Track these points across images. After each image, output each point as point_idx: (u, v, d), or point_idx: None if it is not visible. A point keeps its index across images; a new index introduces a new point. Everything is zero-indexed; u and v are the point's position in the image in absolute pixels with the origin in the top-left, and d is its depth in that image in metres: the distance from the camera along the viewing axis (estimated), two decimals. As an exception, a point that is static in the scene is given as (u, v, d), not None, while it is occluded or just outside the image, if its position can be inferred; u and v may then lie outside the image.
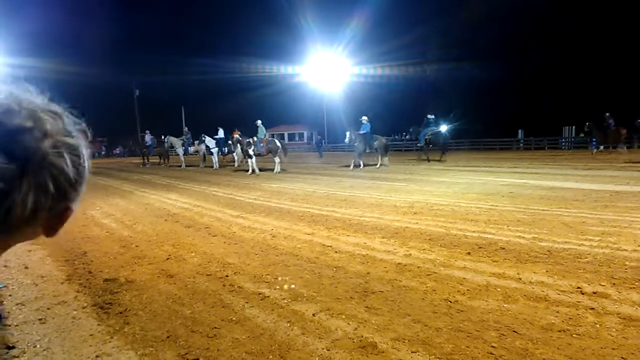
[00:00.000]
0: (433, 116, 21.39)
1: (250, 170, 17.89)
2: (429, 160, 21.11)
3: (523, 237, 5.83)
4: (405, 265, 4.86)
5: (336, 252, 5.52)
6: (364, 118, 19.09)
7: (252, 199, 10.56)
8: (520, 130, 29.09)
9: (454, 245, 5.60)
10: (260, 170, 18.38)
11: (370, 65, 39.03)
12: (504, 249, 5.35)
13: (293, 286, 4.35)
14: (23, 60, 36.95)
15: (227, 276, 4.77)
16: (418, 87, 40.85)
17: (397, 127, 44.89)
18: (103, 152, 52.34)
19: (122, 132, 57.21)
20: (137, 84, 53.51)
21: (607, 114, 20.19)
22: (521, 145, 30.69)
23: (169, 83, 53.03)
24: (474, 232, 6.24)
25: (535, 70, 34.25)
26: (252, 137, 18.91)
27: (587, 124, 21.05)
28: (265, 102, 49.05)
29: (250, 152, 18.44)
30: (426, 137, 21.01)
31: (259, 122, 19.19)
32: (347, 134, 18.85)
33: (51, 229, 0.72)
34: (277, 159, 18.14)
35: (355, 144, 18.57)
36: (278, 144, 18.59)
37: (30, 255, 6.05)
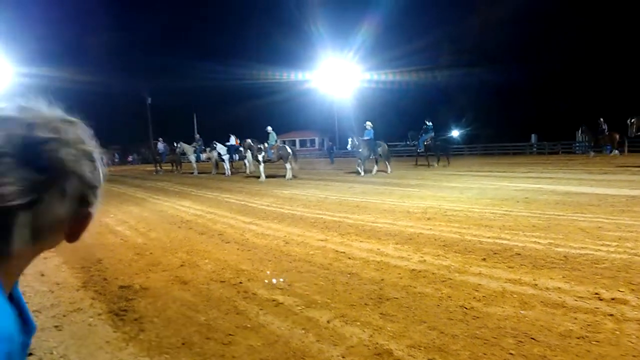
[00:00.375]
0: (431, 123, 21.60)
1: (261, 177, 17.95)
2: (429, 165, 21.00)
3: (539, 243, 5.76)
4: (419, 271, 4.83)
5: (350, 258, 5.51)
6: (368, 124, 18.87)
7: (265, 206, 10.58)
8: (533, 135, 28.86)
9: (468, 251, 5.55)
10: (272, 176, 18.43)
11: (381, 71, 39.02)
12: (519, 254, 5.30)
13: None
14: (36, 69, 37.47)
15: (240, 283, 4.79)
16: (429, 92, 40.71)
17: (405, 133, 44.83)
18: (116, 160, 52.82)
19: (135, 140, 57.75)
20: (149, 92, 53.96)
21: (601, 119, 21.02)
22: (534, 149, 30.45)
23: (181, 90, 53.47)
24: (488, 237, 6.18)
25: (548, 73, 33.99)
26: (262, 143, 18.99)
27: (581, 127, 22.00)
28: (276, 108, 49.24)
29: (261, 158, 18.50)
30: (425, 142, 21.12)
31: (270, 128, 19.27)
32: (350, 140, 18.57)
33: (73, 235, 0.75)
34: (288, 165, 18.16)
35: (359, 150, 18.26)
36: (289, 150, 18.63)
37: (46, 262, 6.11)
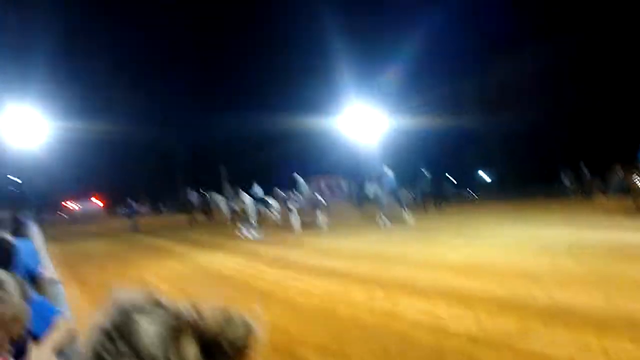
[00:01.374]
0: (424, 171, 22.43)
1: (293, 226, 17.94)
2: (426, 211, 20.60)
3: (595, 300, 5.51)
4: (477, 334, 4.66)
5: (399, 319, 5.37)
6: (386, 168, 17.84)
7: (302, 258, 10.52)
8: (565, 175, 28.07)
9: (524, 311, 5.34)
10: (303, 225, 18.37)
11: (407, 115, 39.25)
12: (577, 314, 5.07)
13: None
14: (71, 123, 38.98)
15: (290, 347, 4.70)
16: (457, 136, 40.62)
17: (436, 177, 44.53)
18: (148, 211, 53.85)
19: (166, 190, 59.02)
20: (179, 143, 55.48)
21: (581, 164, 22.49)
22: (568, 191, 29.67)
23: (208, 139, 54.82)
24: (541, 294, 5.95)
25: (579, 112, 33.52)
26: (292, 191, 18.86)
27: (563, 173, 23.30)
28: (302, 154, 49.78)
29: (291, 206, 18.38)
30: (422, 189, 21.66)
31: (297, 175, 19.23)
32: (367, 186, 17.78)
33: None
34: (319, 213, 18.06)
35: (379, 198, 17.19)
36: (320, 197, 18.50)
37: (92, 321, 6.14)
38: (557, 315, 5.05)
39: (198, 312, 0.79)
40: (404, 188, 18.64)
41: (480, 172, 45.01)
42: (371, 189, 17.73)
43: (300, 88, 55.11)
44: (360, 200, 27.48)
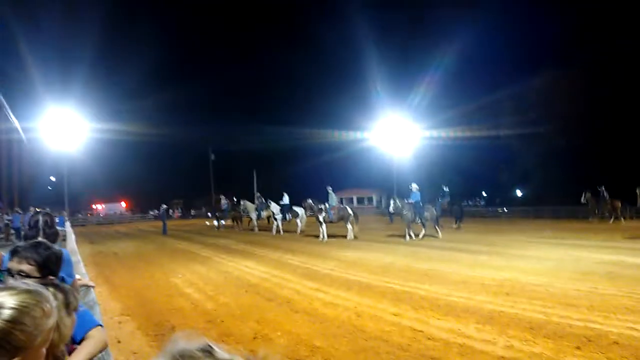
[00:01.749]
0: (447, 188, 22.15)
1: (321, 237, 17.86)
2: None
3: (636, 330, 5.24)
4: (509, 359, 4.47)
5: (429, 338, 5.22)
6: (414, 186, 17.97)
7: (329, 270, 10.43)
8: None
9: (558, 336, 5.13)
10: (332, 236, 18.29)
11: (441, 129, 38.73)
12: (617, 343, 4.83)
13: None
14: (109, 125, 39.97)
15: (317, 362, 4.62)
16: (492, 151, 39.80)
17: (470, 192, 43.75)
18: (179, 214, 54.72)
19: (197, 195, 59.92)
20: (212, 149, 56.26)
21: (602, 188, 22.93)
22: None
23: (242, 148, 55.50)
24: (577, 320, 5.70)
25: (620, 128, 32.38)
26: (323, 204, 18.94)
27: (584, 194, 23.38)
28: (334, 166, 49.83)
29: (321, 218, 18.39)
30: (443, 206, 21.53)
31: (330, 188, 19.30)
32: (391, 202, 17.65)
33: None
34: (349, 226, 18.01)
35: (404, 213, 17.19)
36: (350, 211, 18.52)
37: (121, 327, 6.22)
38: (594, 344, 4.81)
39: None
40: (430, 205, 18.29)
41: (517, 191, 43.99)
42: (395, 204, 17.50)
43: (334, 102, 55.34)
44: (390, 214, 27.30)
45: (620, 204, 22.61)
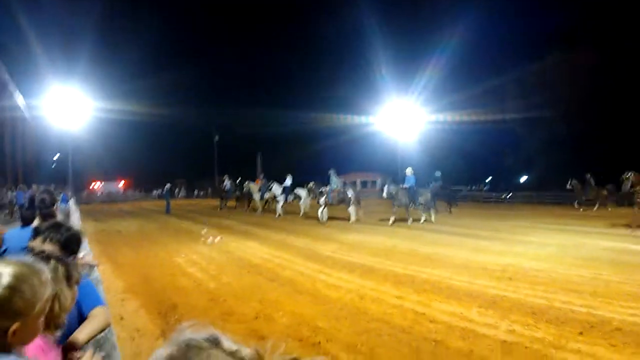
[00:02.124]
0: (439, 173, 22.70)
1: (320, 218, 17.87)
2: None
3: (638, 316, 5.24)
4: (511, 343, 4.49)
5: (431, 321, 5.23)
6: (409, 170, 17.78)
7: (331, 252, 10.46)
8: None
9: (561, 321, 5.13)
10: (334, 219, 18.30)
11: (447, 113, 38.39)
12: (619, 329, 4.83)
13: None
14: (112, 104, 39.70)
15: (319, 343, 4.64)
16: (497, 135, 39.51)
17: (475, 176, 43.58)
18: (183, 194, 54.79)
19: (200, 175, 59.96)
20: (217, 130, 56.13)
21: (588, 175, 23.06)
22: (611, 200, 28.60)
23: (246, 130, 55.15)
24: (580, 306, 5.70)
25: (622, 115, 32.04)
26: (325, 186, 18.94)
27: (570, 181, 23.65)
28: (338, 150, 49.68)
29: (322, 201, 18.40)
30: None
31: (332, 171, 19.16)
32: (385, 187, 17.39)
33: None
34: (351, 209, 17.98)
35: (398, 198, 17.04)
36: (350, 194, 18.39)
37: (125, 304, 6.27)
38: (597, 330, 4.82)
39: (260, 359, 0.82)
40: (424, 189, 18.20)
41: (521, 176, 43.77)
42: (388, 189, 17.30)
43: (339, 86, 54.92)
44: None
45: (606, 191, 22.75)
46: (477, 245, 10.92)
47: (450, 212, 21.83)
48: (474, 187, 41.35)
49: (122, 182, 60.18)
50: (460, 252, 10.04)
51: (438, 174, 22.65)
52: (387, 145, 40.98)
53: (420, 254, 9.96)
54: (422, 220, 16.89)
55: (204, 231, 10.38)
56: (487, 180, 44.99)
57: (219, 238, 12.61)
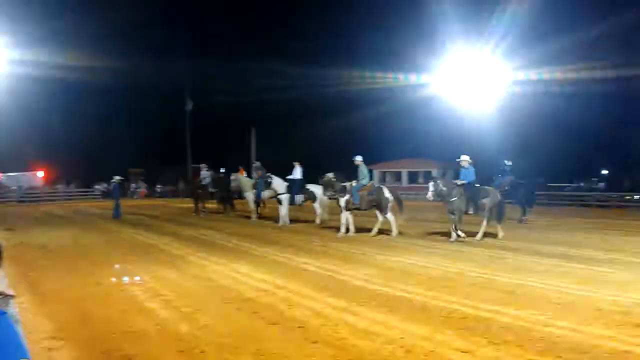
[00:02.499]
0: (510, 163, 23.63)
1: (343, 230, 17.84)
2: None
3: None
4: None
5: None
6: (464, 159, 17.32)
7: (363, 280, 10.49)
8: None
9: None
10: (367, 231, 18.24)
11: (542, 69, 37.39)
12: None
13: None
14: (34, 54, 38.68)
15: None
16: (619, 102, 38.84)
17: (585, 167, 42.78)
18: (139, 190, 55.02)
19: (167, 161, 59.75)
20: (190, 94, 54.84)
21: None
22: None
23: (235, 96, 53.90)
24: None
25: None
26: (350, 182, 18.22)
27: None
28: (373, 127, 49.37)
29: (343, 203, 18.23)
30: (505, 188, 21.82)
31: (359, 158, 18.42)
32: (431, 185, 17.01)
33: None
34: (390, 217, 17.72)
35: (450, 202, 16.65)
36: (388, 194, 17.92)
37: (53, 356, 6.31)
38: None
39: None
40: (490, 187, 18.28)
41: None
42: (436, 187, 16.79)
43: (374, 30, 53.66)
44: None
45: None
46: (588, 274, 10.89)
47: (523, 220, 22.38)
48: (582, 184, 40.86)
49: (41, 172, 57.41)
50: (561, 282, 10.01)
51: (509, 163, 23.60)
52: (449, 119, 40.78)
53: (500, 285, 9.94)
54: (479, 236, 16.61)
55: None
56: (602, 173, 44.51)
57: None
